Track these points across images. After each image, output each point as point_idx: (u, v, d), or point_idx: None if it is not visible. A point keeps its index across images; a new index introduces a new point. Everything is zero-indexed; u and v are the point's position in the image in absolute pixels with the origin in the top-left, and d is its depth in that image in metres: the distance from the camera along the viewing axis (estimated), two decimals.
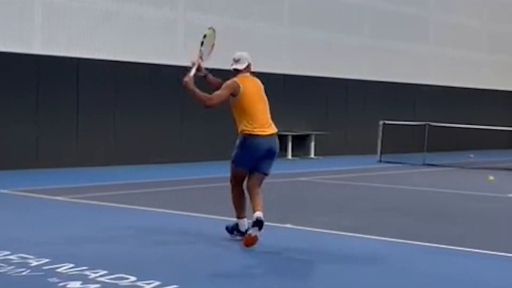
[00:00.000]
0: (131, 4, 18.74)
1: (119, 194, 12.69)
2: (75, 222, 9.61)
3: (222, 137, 19.80)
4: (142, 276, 6.31)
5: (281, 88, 21.40)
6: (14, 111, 16.60)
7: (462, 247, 8.09)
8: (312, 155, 22.51)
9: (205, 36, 8.46)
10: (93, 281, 6.17)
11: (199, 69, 8.32)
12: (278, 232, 8.87)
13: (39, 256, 7.01)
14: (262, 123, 7.99)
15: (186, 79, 8.03)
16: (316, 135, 22.71)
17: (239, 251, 7.82)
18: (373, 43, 25.27)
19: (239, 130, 8.04)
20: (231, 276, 6.66)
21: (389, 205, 11.94)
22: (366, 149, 23.30)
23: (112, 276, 6.30)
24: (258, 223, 7.69)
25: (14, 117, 16.59)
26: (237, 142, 8.08)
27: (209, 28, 8.56)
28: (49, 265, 6.68)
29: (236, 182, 8.15)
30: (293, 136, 21.78)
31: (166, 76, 19.31)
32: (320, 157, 22.33)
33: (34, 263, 6.75)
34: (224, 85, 8.09)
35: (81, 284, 6.06)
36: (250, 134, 7.93)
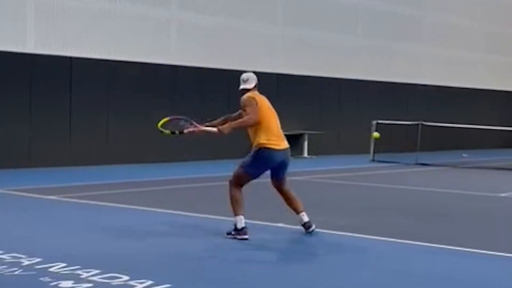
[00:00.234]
0: (124, 3, 18.72)
1: (112, 193, 12.66)
2: (67, 221, 9.59)
3: (214, 138, 19.82)
4: (135, 275, 6.30)
5: (274, 87, 21.40)
6: (7, 110, 16.58)
7: (460, 246, 8.07)
8: (306, 155, 22.53)
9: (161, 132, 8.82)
10: (85, 280, 6.16)
11: (199, 131, 8.67)
12: (271, 231, 8.88)
13: (31, 255, 6.99)
14: (277, 136, 8.43)
15: (218, 131, 8.39)
16: (309, 134, 22.73)
17: (232, 251, 7.81)
18: (367, 43, 25.30)
19: (255, 143, 8.37)
20: (223, 275, 6.66)
21: (384, 205, 11.94)
22: (359, 149, 23.32)
23: (105, 276, 6.29)
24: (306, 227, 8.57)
25: (7, 116, 16.56)
26: (252, 152, 8.41)
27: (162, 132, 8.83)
28: (41, 264, 6.67)
29: (239, 185, 8.40)
30: (286, 136, 21.66)
31: (160, 75, 19.32)
32: (314, 157, 22.35)
33: (26, 263, 6.74)
34: (244, 102, 8.33)
35: (73, 283, 6.05)
36: (265, 147, 8.31)
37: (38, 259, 6.84)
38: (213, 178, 14.62)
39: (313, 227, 8.69)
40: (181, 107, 19.68)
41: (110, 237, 8.41)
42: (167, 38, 19.68)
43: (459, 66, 29.19)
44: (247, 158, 8.41)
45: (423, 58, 27.77)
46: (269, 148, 8.31)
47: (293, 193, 8.70)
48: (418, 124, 21.91)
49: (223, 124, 8.52)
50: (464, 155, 23.71)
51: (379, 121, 22.01)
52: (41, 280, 6.14)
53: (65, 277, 6.23)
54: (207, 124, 8.74)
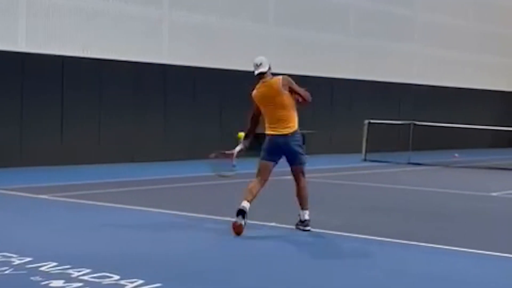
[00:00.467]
0: (116, 2, 18.67)
1: (103, 192, 12.63)
2: (58, 221, 9.57)
3: (206, 136, 19.81)
4: (126, 274, 6.27)
5: None
6: None
7: (456, 246, 8.07)
8: None
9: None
10: (76, 279, 6.13)
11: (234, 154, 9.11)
12: (264, 230, 8.86)
13: (22, 254, 6.96)
14: (271, 123, 8.84)
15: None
16: (301, 133, 22.67)
17: (222, 249, 7.80)
18: (359, 43, 25.31)
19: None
20: (214, 274, 6.64)
21: (379, 204, 11.93)
22: (351, 148, 23.31)
23: (96, 275, 6.27)
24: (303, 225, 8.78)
25: None
26: None
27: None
28: (32, 263, 6.64)
29: (259, 173, 8.77)
30: None
31: (151, 75, 19.29)
32: (306, 156, 22.31)
33: (17, 262, 6.71)
34: (287, 82, 9.03)
35: (64, 282, 6.03)
36: (265, 134, 8.87)
37: (29, 258, 6.81)
38: (202, 178, 14.57)
39: (309, 228, 8.70)
40: (173, 106, 19.68)
41: (101, 236, 8.39)
42: (159, 38, 19.63)
43: (451, 66, 29.22)
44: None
45: (415, 58, 27.80)
46: (267, 134, 8.82)
47: (307, 192, 8.97)
48: (410, 123, 21.94)
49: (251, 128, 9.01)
50: (455, 154, 23.74)
51: (371, 121, 22.03)
52: (32, 280, 6.11)
53: (56, 276, 6.20)
54: (246, 142, 9.07)
